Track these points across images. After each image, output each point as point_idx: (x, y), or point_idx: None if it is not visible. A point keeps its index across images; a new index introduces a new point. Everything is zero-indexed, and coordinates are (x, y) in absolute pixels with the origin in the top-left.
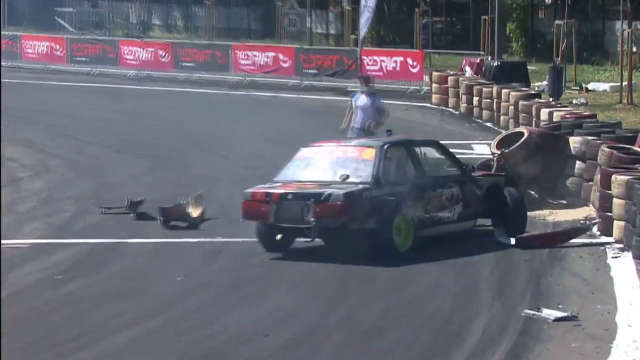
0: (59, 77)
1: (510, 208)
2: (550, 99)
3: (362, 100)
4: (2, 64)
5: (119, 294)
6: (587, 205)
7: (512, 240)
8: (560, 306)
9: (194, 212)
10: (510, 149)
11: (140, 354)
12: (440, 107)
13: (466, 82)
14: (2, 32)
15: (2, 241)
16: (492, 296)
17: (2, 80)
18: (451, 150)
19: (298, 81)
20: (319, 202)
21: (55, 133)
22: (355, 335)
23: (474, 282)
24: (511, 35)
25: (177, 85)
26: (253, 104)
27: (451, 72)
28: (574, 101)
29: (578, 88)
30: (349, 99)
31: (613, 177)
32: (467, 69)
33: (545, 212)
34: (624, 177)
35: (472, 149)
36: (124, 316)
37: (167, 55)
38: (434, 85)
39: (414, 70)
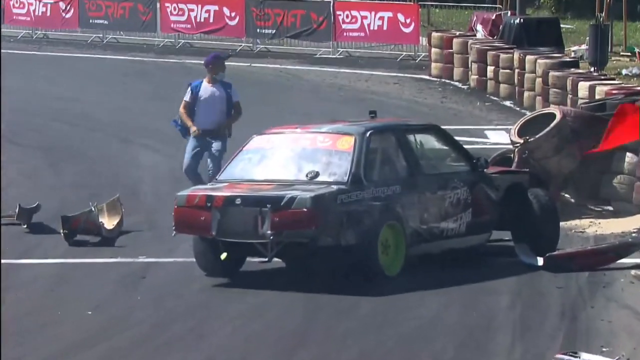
0: None
1: (537, 216)
2: (592, 69)
3: (208, 92)
4: None
5: (5, 337)
6: None
7: (540, 261)
8: (604, 349)
9: (109, 222)
10: (537, 136)
11: None
12: (442, 79)
13: (477, 46)
14: None
15: None
16: (513, 336)
17: None
18: (457, 138)
19: (250, 45)
20: (278, 209)
21: None
22: None
23: (487, 317)
24: None
25: (84, 51)
26: (188, 75)
27: (457, 33)
28: (624, 71)
29: (629, 53)
30: (204, 88)
31: None
32: (479, 28)
33: (585, 222)
34: None
35: (485, 136)
36: None
37: (70, 9)
38: (433, 50)
39: (407, 31)
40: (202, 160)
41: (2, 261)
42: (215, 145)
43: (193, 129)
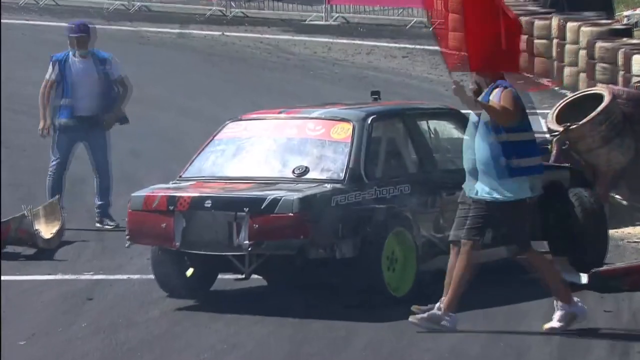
0: None
1: (580, 223)
2: None
3: (77, 68)
4: None
5: None
6: None
7: (584, 278)
8: None
9: (46, 230)
10: (581, 123)
11: None
12: (462, 52)
13: None
14: None
15: None
16: None
17: None
18: None
19: (222, 9)
20: (257, 214)
21: None
22: None
23: (518, 349)
24: None
25: (15, 16)
26: (144, 47)
27: None
28: None
29: None
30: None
31: None
32: None
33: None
34: None
35: None
36: None
37: None
38: (451, 16)
39: None
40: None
41: None
42: (96, 137)
43: (42, 123)
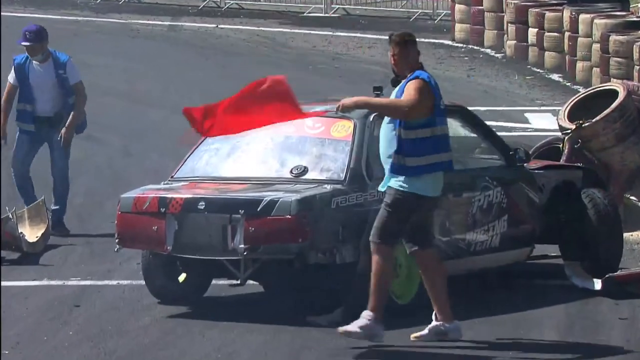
0: None
1: (593, 226)
2: None
3: (36, 73)
4: None
5: None
6: None
7: (597, 284)
8: None
9: (31, 233)
10: (594, 120)
11: None
12: (470, 46)
13: (516, 1)
14: None
15: None
16: None
17: None
18: (488, 123)
19: (216, 0)
20: (253, 216)
21: None
22: None
23: (527, 359)
24: None
25: None
26: (134, 40)
27: None
28: None
29: None
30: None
31: None
32: None
33: None
34: None
35: (525, 120)
36: None
37: None
38: (457, 7)
39: None
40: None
41: None
42: (56, 139)
43: None
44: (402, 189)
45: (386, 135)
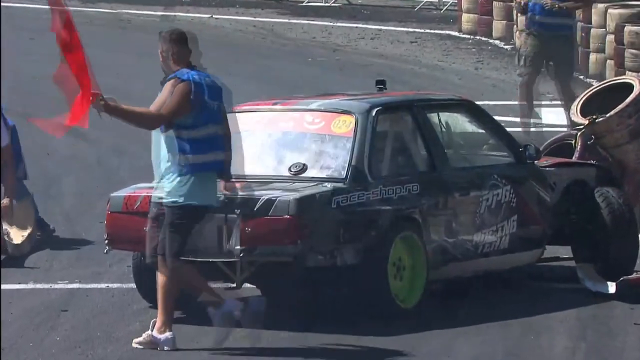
0: None
1: (607, 226)
2: None
3: None
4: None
5: None
6: None
7: (612, 287)
8: None
9: (16, 234)
10: (608, 115)
11: None
12: (477, 37)
13: None
14: None
15: None
16: None
17: None
18: (497, 118)
19: None
20: (250, 216)
21: None
22: None
23: None
24: None
25: None
26: (124, 32)
27: None
28: None
29: None
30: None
31: None
32: None
33: None
34: None
35: (536, 115)
36: None
37: None
38: None
39: None
40: None
41: None
42: None
43: None
44: (176, 204)
45: (157, 137)
